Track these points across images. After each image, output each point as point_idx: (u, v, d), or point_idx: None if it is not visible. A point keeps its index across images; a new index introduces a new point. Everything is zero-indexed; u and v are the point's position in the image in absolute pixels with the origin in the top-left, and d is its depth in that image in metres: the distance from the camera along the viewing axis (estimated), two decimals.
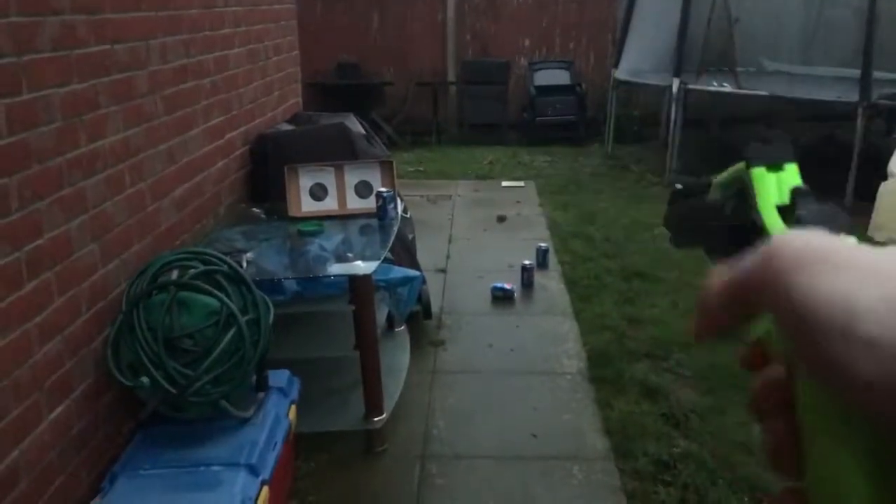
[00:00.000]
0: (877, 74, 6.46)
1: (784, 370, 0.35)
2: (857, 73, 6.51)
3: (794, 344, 0.32)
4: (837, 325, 0.30)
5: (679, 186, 0.53)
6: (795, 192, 0.41)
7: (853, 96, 6.43)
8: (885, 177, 5.59)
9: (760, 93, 7.17)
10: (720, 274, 0.36)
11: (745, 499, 2.86)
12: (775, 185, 0.41)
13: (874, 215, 5.50)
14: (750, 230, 0.40)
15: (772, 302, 0.33)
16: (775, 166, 0.41)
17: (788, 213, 0.40)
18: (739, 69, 7.40)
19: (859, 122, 6.36)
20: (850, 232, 0.38)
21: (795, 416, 0.34)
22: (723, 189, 0.44)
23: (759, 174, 0.41)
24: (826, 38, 8.03)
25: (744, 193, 0.42)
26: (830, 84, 7.26)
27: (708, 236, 0.45)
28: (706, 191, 0.47)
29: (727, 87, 7.20)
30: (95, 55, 2.50)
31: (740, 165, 0.43)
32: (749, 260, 0.35)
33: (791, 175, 0.42)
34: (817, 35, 8.22)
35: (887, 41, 6.68)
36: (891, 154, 5.67)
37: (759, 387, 0.37)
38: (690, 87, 7.22)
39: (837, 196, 6.35)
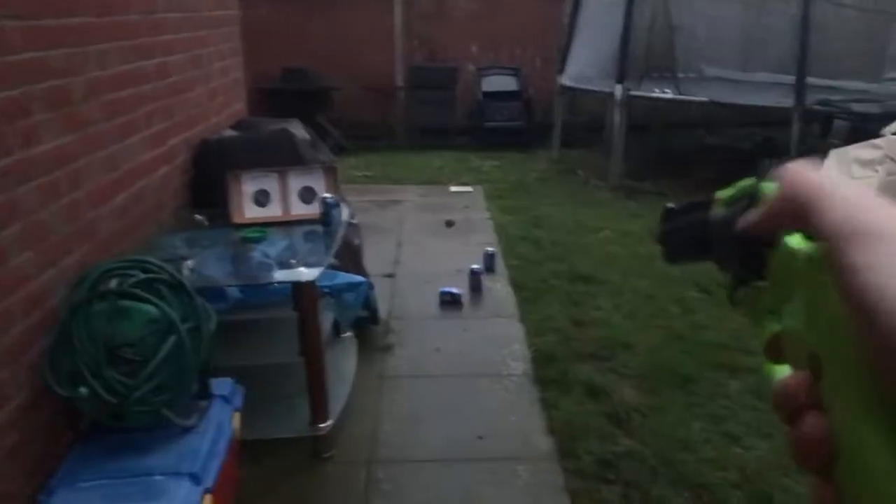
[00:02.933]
0: (812, 80, 6.66)
1: (807, 369, 0.36)
2: (792, 79, 6.70)
3: (852, 322, 0.32)
4: (880, 299, 0.30)
5: (670, 205, 0.55)
6: None
7: (789, 102, 6.63)
8: None
9: (700, 98, 7.34)
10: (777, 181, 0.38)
11: (686, 495, 2.93)
12: None
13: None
14: (763, 240, 0.42)
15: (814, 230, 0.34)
16: None
17: None
18: (680, 75, 7.57)
19: (795, 126, 6.55)
20: None
21: (824, 416, 0.34)
22: (728, 203, 0.46)
23: (770, 187, 0.42)
24: (763, 45, 8.24)
25: (753, 206, 0.43)
26: (767, 90, 7.46)
27: (719, 249, 0.47)
28: (704, 207, 0.49)
29: (668, 93, 7.35)
30: (28, 61, 2.46)
31: (750, 180, 0.44)
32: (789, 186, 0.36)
33: None
34: (754, 42, 8.43)
35: (821, 48, 6.89)
36: (825, 158, 5.84)
37: (786, 387, 0.37)
38: (633, 93, 7.36)
39: None
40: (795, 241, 0.40)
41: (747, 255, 0.43)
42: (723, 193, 0.47)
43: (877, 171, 5.30)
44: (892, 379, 0.30)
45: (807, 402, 0.35)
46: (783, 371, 0.39)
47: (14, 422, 2.33)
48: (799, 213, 0.36)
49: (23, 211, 2.41)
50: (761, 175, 0.44)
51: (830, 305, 0.34)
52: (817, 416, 0.34)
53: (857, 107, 6.78)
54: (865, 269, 0.31)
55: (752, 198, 0.43)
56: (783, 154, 6.70)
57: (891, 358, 0.30)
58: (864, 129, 6.63)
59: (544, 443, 3.28)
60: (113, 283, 2.53)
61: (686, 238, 0.51)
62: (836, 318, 0.34)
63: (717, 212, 0.47)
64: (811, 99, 6.58)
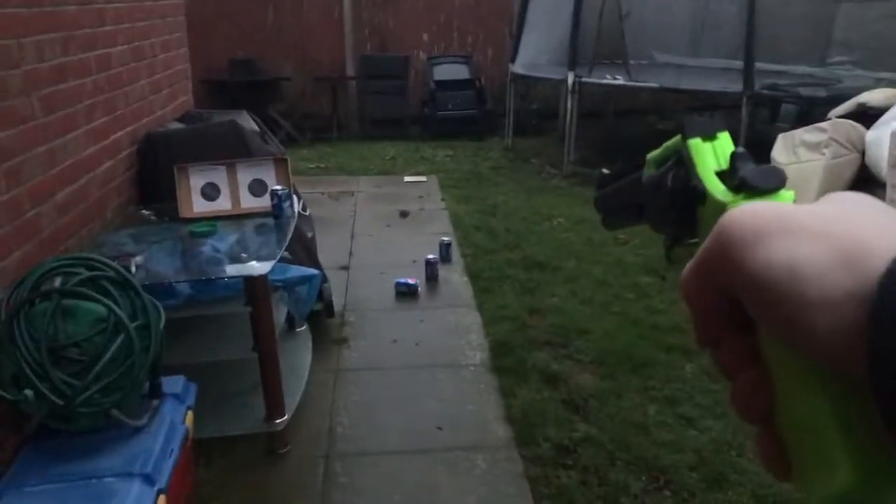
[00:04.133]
0: (760, 66, 6.76)
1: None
2: (740, 64, 6.80)
3: (753, 312, 0.34)
4: (787, 292, 0.32)
5: (606, 171, 0.54)
6: (735, 155, 0.42)
7: (738, 87, 6.72)
8: (769, 163, 5.85)
9: (651, 84, 7.41)
10: (687, 268, 0.37)
11: (643, 477, 2.96)
12: (712, 152, 0.43)
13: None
14: (692, 197, 0.42)
15: (731, 277, 0.34)
16: (710, 136, 0.43)
17: (728, 177, 0.41)
18: (631, 62, 7.62)
19: (744, 111, 6.64)
20: (783, 184, 0.40)
21: (762, 366, 0.36)
22: (658, 164, 0.46)
23: (696, 144, 0.43)
24: (712, 31, 8.35)
25: (682, 165, 0.43)
26: (717, 75, 7.56)
27: (651, 210, 0.46)
28: (637, 170, 0.48)
29: (620, 80, 7.40)
30: None
31: (676, 139, 0.44)
32: (705, 244, 0.36)
33: (725, 142, 0.44)
34: (704, 28, 8.54)
35: (768, 33, 6.99)
36: (774, 142, 5.94)
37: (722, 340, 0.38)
38: (584, 80, 7.39)
39: None
40: (721, 192, 0.40)
41: (679, 213, 0.43)
42: (652, 154, 0.47)
43: (823, 153, 5.40)
44: (803, 338, 0.32)
45: (746, 358, 0.37)
46: None
47: None
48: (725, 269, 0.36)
49: None
50: (687, 132, 0.44)
51: None
52: (751, 372, 0.36)
53: (804, 91, 6.91)
54: (752, 259, 0.33)
55: (678, 155, 0.44)
56: (734, 138, 6.80)
57: (792, 320, 0.32)
58: (810, 112, 6.76)
59: (503, 431, 3.28)
60: (57, 282, 2.45)
61: (621, 202, 0.52)
62: None
63: (648, 173, 0.47)
64: (759, 84, 6.68)
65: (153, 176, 3.82)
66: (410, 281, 4.72)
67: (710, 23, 8.46)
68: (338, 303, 4.38)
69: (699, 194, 0.42)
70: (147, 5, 4.16)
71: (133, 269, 2.81)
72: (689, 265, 0.37)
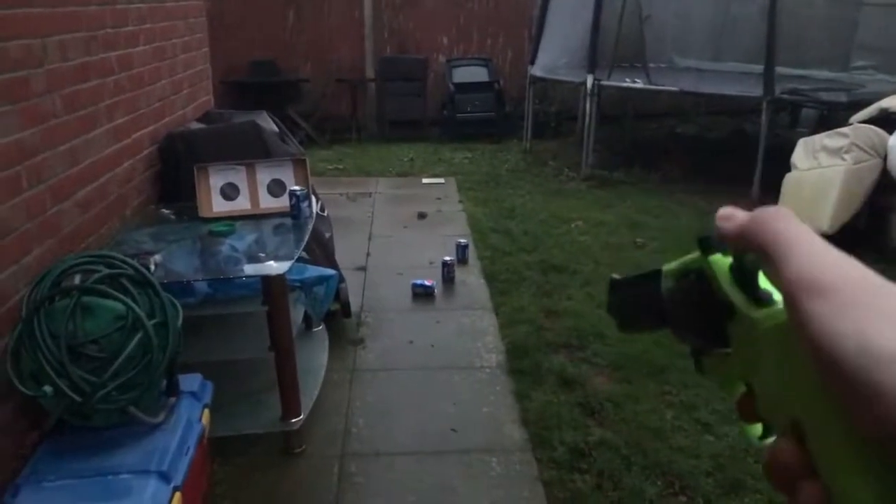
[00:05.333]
0: (780, 70, 6.71)
1: (790, 434, 0.37)
2: (761, 68, 6.75)
3: (815, 366, 0.33)
4: (856, 370, 0.31)
5: (617, 276, 0.54)
6: (744, 265, 0.43)
7: (758, 91, 6.67)
8: (789, 168, 5.81)
9: (671, 88, 7.37)
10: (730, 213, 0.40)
11: (659, 483, 2.94)
12: (728, 266, 0.44)
13: (778, 205, 5.71)
14: (721, 312, 0.42)
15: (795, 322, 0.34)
16: (726, 251, 0.44)
17: (744, 288, 0.42)
18: (651, 65, 7.59)
19: (764, 115, 6.59)
20: None
21: (818, 483, 0.35)
22: (677, 277, 0.46)
23: (717, 260, 0.43)
24: (733, 35, 8.30)
25: (704, 279, 0.44)
26: (737, 79, 7.51)
27: (677, 323, 0.47)
28: (651, 280, 0.48)
29: (639, 83, 7.37)
30: None
31: (694, 255, 0.45)
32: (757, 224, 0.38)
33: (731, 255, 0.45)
34: (725, 32, 8.49)
35: (790, 37, 6.95)
36: (794, 147, 5.90)
37: (778, 459, 0.37)
38: (604, 83, 7.37)
39: (745, 186, 6.58)
40: (747, 306, 0.41)
41: (706, 326, 0.44)
42: (669, 267, 0.48)
43: (844, 159, 5.36)
44: (865, 421, 0.31)
45: (801, 470, 0.36)
46: (758, 430, 0.41)
47: None
48: (762, 259, 0.37)
49: None
50: (706, 249, 0.44)
51: (802, 367, 0.35)
52: (814, 485, 0.35)
53: (825, 95, 6.85)
54: (819, 317, 0.33)
55: (699, 274, 0.44)
56: (754, 143, 6.76)
57: (858, 400, 0.31)
58: (832, 117, 6.71)
59: (518, 434, 3.28)
60: (76, 280, 2.48)
61: (639, 311, 0.51)
62: (809, 377, 0.34)
63: (668, 286, 0.47)
64: (780, 88, 6.63)
65: (173, 175, 3.84)
66: (427, 282, 4.72)
67: (730, 26, 8.41)
68: (354, 303, 4.39)
69: (728, 309, 0.42)
70: (168, 6, 4.20)
71: (152, 267, 2.83)
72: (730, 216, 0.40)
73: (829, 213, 5.29)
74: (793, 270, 0.35)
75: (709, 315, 0.43)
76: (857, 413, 0.31)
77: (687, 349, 0.47)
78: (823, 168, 5.52)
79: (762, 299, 0.40)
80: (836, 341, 0.32)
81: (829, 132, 5.65)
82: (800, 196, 5.59)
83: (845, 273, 0.34)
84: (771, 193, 5.91)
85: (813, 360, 0.33)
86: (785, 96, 6.77)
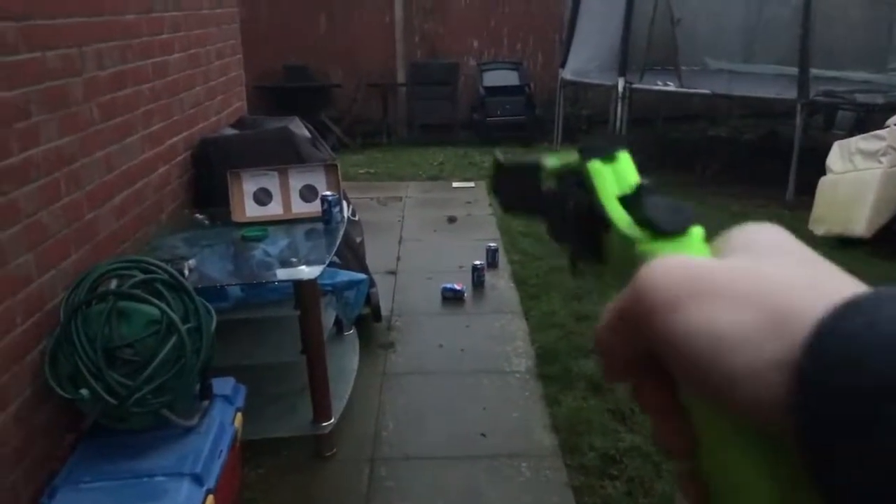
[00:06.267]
0: (815, 72, 6.63)
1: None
2: (795, 70, 6.67)
3: (676, 376, 0.33)
4: (710, 362, 0.31)
5: (500, 157, 0.51)
6: (639, 188, 0.40)
7: (792, 93, 6.60)
8: (824, 172, 5.74)
9: (703, 91, 7.31)
10: (603, 321, 0.36)
11: None
12: (612, 176, 0.41)
13: (814, 209, 5.65)
14: (596, 224, 0.40)
15: (650, 341, 0.33)
16: (609, 158, 0.42)
17: (631, 204, 0.40)
18: (683, 68, 7.53)
19: (798, 118, 6.52)
20: (693, 223, 0.38)
21: (684, 415, 0.35)
22: (557, 177, 0.44)
23: (596, 168, 0.41)
24: (766, 37, 8.22)
25: (582, 187, 0.41)
26: (770, 81, 7.43)
27: (552, 225, 0.45)
28: (532, 171, 0.46)
29: (671, 86, 7.33)
30: (26, 63, 2.45)
31: (574, 157, 0.43)
32: (622, 296, 0.35)
33: (626, 164, 0.42)
34: (757, 34, 8.41)
35: (825, 38, 6.86)
36: (829, 149, 5.82)
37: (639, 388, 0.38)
38: (635, 86, 7.33)
39: (779, 190, 6.51)
40: (626, 224, 0.39)
41: (581, 236, 0.42)
42: (550, 162, 0.45)
43: (881, 162, 5.27)
44: (731, 410, 0.31)
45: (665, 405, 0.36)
46: None
47: (16, 424, 2.33)
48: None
49: (23, 213, 2.40)
50: (585, 154, 0.42)
51: None
52: (674, 419, 0.35)
53: (861, 97, 6.75)
54: (673, 324, 0.32)
55: (578, 176, 0.42)
56: (788, 146, 6.68)
57: (719, 391, 0.31)
58: (868, 119, 6.61)
59: (547, 439, 3.27)
60: (112, 284, 2.52)
61: (519, 197, 0.49)
62: None
63: (548, 185, 0.45)
64: (815, 90, 6.55)
65: (207, 181, 3.89)
66: (457, 287, 4.73)
67: (763, 28, 8.33)
68: (385, 307, 4.41)
69: (603, 222, 0.40)
70: (203, 13, 4.26)
71: (186, 272, 2.87)
72: (605, 317, 0.36)
73: (865, 216, 5.21)
74: (646, 304, 0.33)
75: (585, 223, 0.41)
76: (720, 403, 0.31)
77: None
78: (859, 171, 5.44)
79: (648, 221, 0.38)
80: (689, 340, 0.31)
81: (866, 135, 5.56)
82: (835, 200, 5.52)
83: (691, 273, 0.33)
84: (806, 197, 5.84)
85: (675, 372, 0.33)
86: (820, 98, 6.69)
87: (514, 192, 0.50)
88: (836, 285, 0.31)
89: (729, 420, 0.32)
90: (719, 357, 0.31)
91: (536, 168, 0.46)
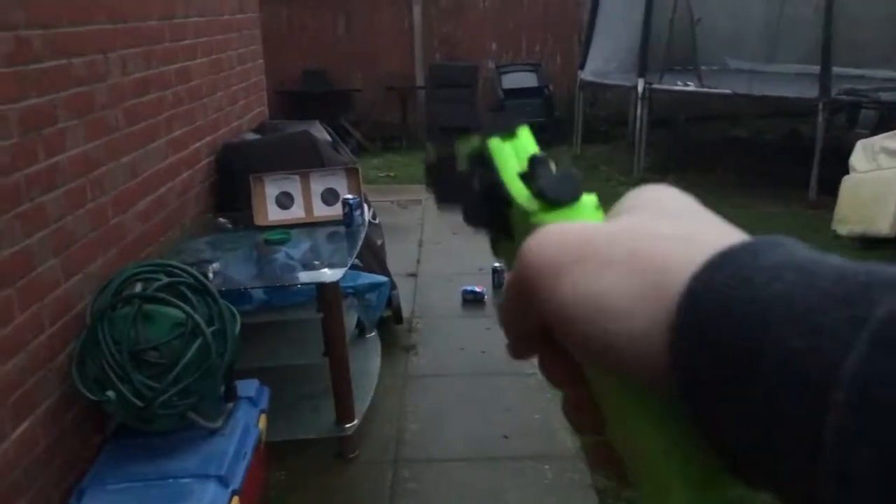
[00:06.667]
0: (837, 70, 6.57)
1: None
2: (817, 69, 6.61)
3: (564, 342, 0.33)
4: (592, 327, 0.31)
5: (430, 154, 0.51)
6: (532, 161, 0.41)
7: (814, 92, 6.54)
8: (847, 171, 5.68)
9: (723, 91, 7.26)
10: (502, 296, 0.36)
11: None
12: (513, 153, 0.41)
13: (837, 209, 5.60)
14: (500, 201, 0.41)
15: (538, 311, 0.33)
16: (509, 135, 0.42)
17: (527, 178, 0.40)
18: (703, 68, 7.49)
19: (820, 117, 6.46)
20: (580, 193, 0.39)
21: (587, 385, 0.36)
22: (467, 160, 0.44)
23: (496, 145, 0.41)
24: (787, 36, 8.15)
25: (486, 165, 0.42)
26: (792, 81, 7.37)
27: (463, 207, 0.45)
28: (451, 160, 0.46)
29: (691, 86, 7.29)
30: (52, 69, 2.49)
31: (477, 138, 0.43)
32: (511, 275, 0.35)
33: (526, 140, 0.42)
34: (778, 32, 8.34)
35: (847, 36, 6.79)
36: (852, 148, 5.77)
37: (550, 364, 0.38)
38: (655, 86, 7.30)
39: (802, 190, 6.45)
40: (525, 198, 0.39)
41: (491, 215, 0.42)
42: (462, 146, 0.45)
43: None
44: (618, 374, 0.32)
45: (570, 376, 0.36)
46: None
47: (44, 426, 2.36)
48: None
49: (50, 218, 2.44)
50: (485, 131, 0.42)
51: None
52: (579, 390, 0.36)
53: (884, 96, 6.68)
54: (550, 292, 0.32)
55: (482, 158, 0.42)
56: (811, 145, 6.62)
57: (604, 358, 0.32)
58: (892, 118, 6.54)
59: (570, 441, 3.26)
60: (137, 288, 2.55)
61: (445, 189, 0.49)
62: None
63: (459, 168, 0.45)
64: (837, 89, 6.49)
65: (229, 185, 3.92)
66: (477, 289, 4.73)
67: (784, 27, 8.26)
68: (406, 310, 4.42)
69: (505, 198, 0.40)
70: (224, 19, 4.29)
71: (210, 275, 2.89)
72: (503, 292, 0.36)
73: (889, 215, 5.15)
74: (523, 273, 0.34)
75: (492, 202, 0.41)
76: (608, 368, 0.32)
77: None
78: (883, 170, 5.38)
79: (539, 192, 0.39)
80: (571, 307, 0.31)
81: (889, 133, 5.51)
82: (859, 199, 5.46)
83: (569, 239, 0.33)
84: (829, 196, 5.78)
85: (564, 341, 0.33)
86: (842, 97, 6.62)
87: (443, 184, 0.49)
88: (712, 237, 0.31)
89: (623, 385, 0.32)
90: (600, 322, 0.31)
91: (454, 156, 0.46)
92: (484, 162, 0.42)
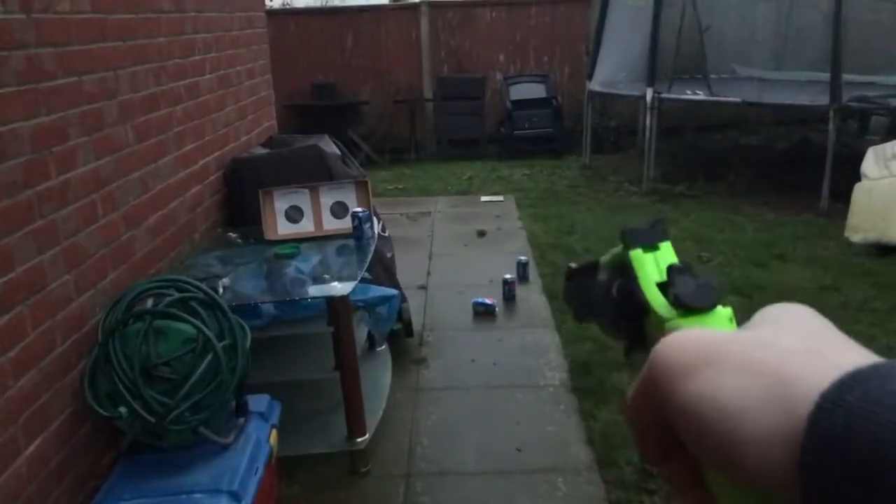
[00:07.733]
0: (847, 77, 6.55)
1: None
2: (826, 76, 6.59)
3: (687, 442, 0.34)
4: (715, 428, 0.32)
5: (573, 265, 0.54)
6: (671, 270, 0.42)
7: (824, 100, 6.52)
8: (858, 178, 5.66)
9: (733, 99, 7.25)
10: (629, 393, 0.38)
11: None
12: (654, 263, 0.43)
13: (849, 217, 5.56)
14: (637, 309, 0.42)
15: (664, 409, 0.35)
16: (651, 247, 0.44)
17: (666, 287, 0.42)
18: (712, 76, 7.48)
19: (831, 124, 6.43)
20: (717, 302, 0.40)
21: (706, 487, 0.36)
22: (609, 270, 0.46)
23: (637, 256, 0.43)
24: (796, 43, 8.13)
25: (626, 275, 0.43)
26: (802, 88, 7.35)
27: (601, 315, 0.47)
28: (594, 269, 0.49)
29: (700, 95, 7.28)
30: (63, 87, 2.50)
31: (618, 249, 0.45)
32: (642, 372, 0.36)
33: (666, 253, 0.44)
34: (788, 40, 8.32)
35: (856, 44, 6.77)
36: (863, 155, 5.74)
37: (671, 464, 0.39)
38: (664, 95, 7.29)
39: (814, 198, 6.42)
40: (662, 307, 0.41)
41: (627, 323, 0.44)
42: (603, 259, 0.48)
43: None
44: (744, 480, 0.32)
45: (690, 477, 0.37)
46: None
47: (57, 442, 2.36)
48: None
49: (62, 234, 2.45)
50: (628, 243, 0.44)
51: None
52: (698, 490, 0.37)
53: (895, 102, 6.65)
54: (680, 394, 0.34)
55: (620, 267, 0.44)
56: (822, 152, 6.59)
57: (731, 463, 0.32)
58: None
59: (583, 453, 3.24)
60: (149, 303, 2.56)
61: (584, 300, 0.51)
62: None
63: (602, 277, 0.47)
64: (847, 96, 6.46)
65: (239, 199, 3.93)
66: (488, 301, 4.72)
67: (793, 34, 8.24)
68: (416, 322, 4.42)
69: (643, 307, 0.42)
70: (233, 35, 4.31)
71: (220, 290, 2.90)
72: (630, 390, 0.37)
73: None
74: (655, 373, 0.35)
75: (630, 314, 0.43)
76: (730, 471, 0.32)
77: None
78: (895, 177, 5.35)
79: (675, 299, 0.40)
80: (697, 407, 0.32)
81: None
82: (871, 206, 5.43)
83: (701, 343, 0.34)
84: (841, 204, 5.75)
85: (687, 441, 0.34)
86: (853, 104, 6.60)
87: (579, 295, 0.52)
88: (838, 353, 0.32)
89: (744, 493, 0.33)
90: (724, 424, 0.32)
91: (595, 266, 0.49)
92: (624, 272, 0.44)
